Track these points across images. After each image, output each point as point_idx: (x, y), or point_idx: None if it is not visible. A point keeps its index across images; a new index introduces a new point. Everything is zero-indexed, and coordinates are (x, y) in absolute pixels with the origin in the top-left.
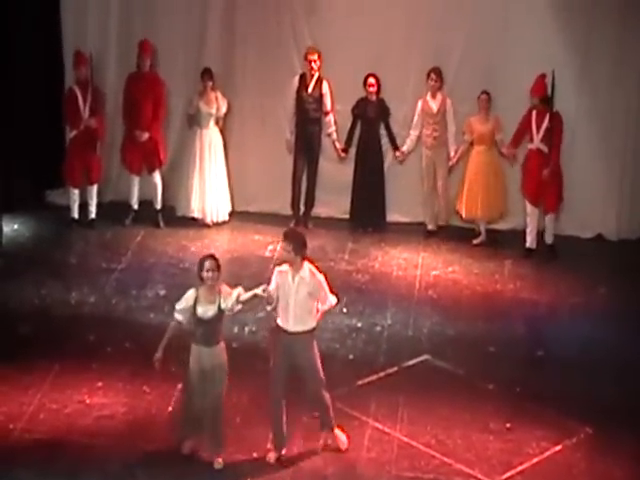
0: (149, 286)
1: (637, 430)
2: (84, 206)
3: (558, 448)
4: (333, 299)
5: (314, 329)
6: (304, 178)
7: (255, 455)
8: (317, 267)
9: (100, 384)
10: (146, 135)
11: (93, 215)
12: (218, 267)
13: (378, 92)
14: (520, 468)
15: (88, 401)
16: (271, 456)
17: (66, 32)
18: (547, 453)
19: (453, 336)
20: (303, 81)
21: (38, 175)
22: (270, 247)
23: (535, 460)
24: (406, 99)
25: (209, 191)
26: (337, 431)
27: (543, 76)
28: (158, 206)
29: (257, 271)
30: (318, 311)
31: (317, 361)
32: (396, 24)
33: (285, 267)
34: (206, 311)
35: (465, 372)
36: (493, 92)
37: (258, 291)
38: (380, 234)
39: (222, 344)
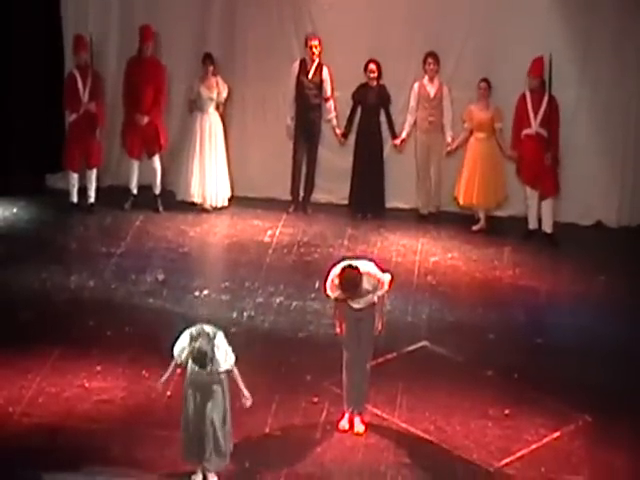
0: (148, 271)
1: (636, 418)
2: (83, 190)
3: (557, 435)
4: (387, 277)
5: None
6: (304, 164)
7: (253, 440)
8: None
9: (99, 368)
10: (146, 119)
11: (92, 200)
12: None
13: (379, 78)
14: (518, 454)
15: (87, 385)
16: (344, 423)
17: (66, 16)
18: (545, 440)
19: (452, 322)
20: (303, 67)
21: (37, 159)
22: (269, 232)
23: (533, 447)
24: (407, 86)
25: (209, 176)
26: (358, 418)
27: (541, 58)
28: (157, 191)
29: (256, 257)
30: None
31: (373, 337)
32: (397, 10)
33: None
34: (204, 345)
35: (464, 359)
36: (494, 80)
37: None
38: (379, 220)
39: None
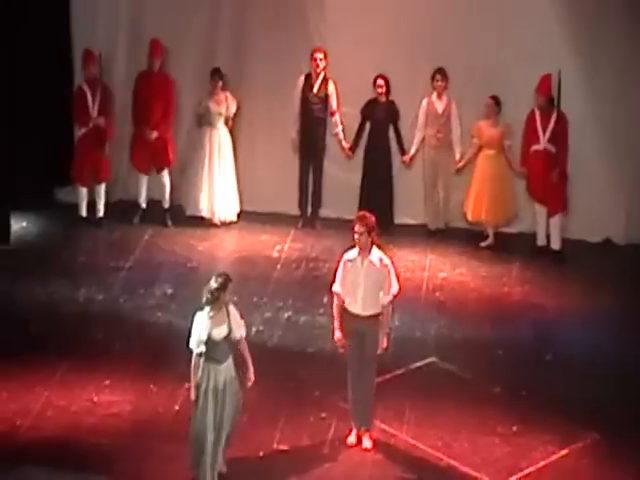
0: (157, 285)
1: None
2: (92, 204)
3: (564, 452)
4: (395, 288)
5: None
6: (310, 179)
7: (261, 454)
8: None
9: (107, 382)
10: (155, 134)
11: (101, 213)
12: None
13: (387, 93)
14: (526, 472)
15: (95, 399)
16: (352, 439)
17: (76, 30)
18: (553, 457)
19: (460, 339)
20: (309, 81)
21: (47, 173)
22: (277, 247)
23: (541, 464)
24: (415, 102)
25: (217, 190)
26: (367, 435)
27: (549, 75)
28: (166, 205)
29: (264, 271)
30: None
31: (377, 351)
32: (406, 27)
33: (353, 254)
34: (220, 332)
35: (472, 375)
36: (503, 97)
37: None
38: (388, 236)
39: (231, 358)
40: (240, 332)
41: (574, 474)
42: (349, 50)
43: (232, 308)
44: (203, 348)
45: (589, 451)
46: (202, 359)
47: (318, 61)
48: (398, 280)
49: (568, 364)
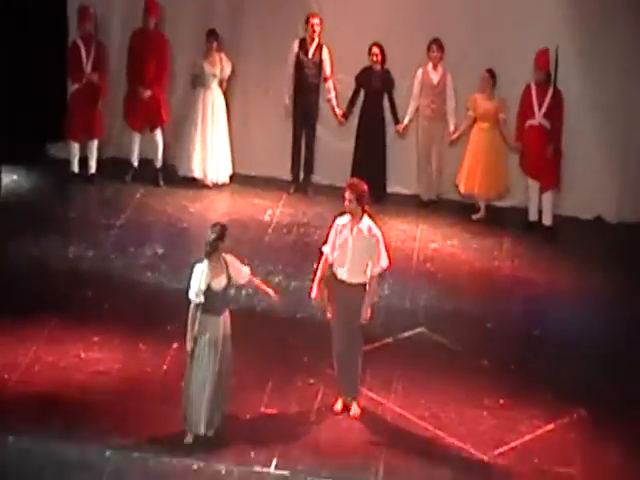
0: (147, 244)
1: (630, 413)
2: (84, 161)
3: (551, 427)
4: (385, 261)
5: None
6: (303, 144)
7: (248, 417)
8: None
9: (96, 339)
10: (148, 93)
11: (93, 170)
12: None
13: (383, 62)
14: (512, 445)
15: (83, 356)
16: (338, 406)
17: None
18: (539, 432)
19: (450, 310)
20: (303, 46)
21: (39, 128)
22: (269, 211)
23: (527, 438)
24: (410, 72)
25: (210, 152)
26: (355, 404)
27: (546, 50)
28: (158, 164)
29: (255, 235)
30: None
31: (361, 324)
32: None
33: (344, 220)
34: (219, 283)
35: (461, 347)
36: (498, 70)
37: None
38: (380, 205)
39: (227, 311)
40: (242, 277)
41: (560, 449)
42: (345, 17)
43: (229, 257)
44: (202, 299)
45: (575, 426)
46: (200, 311)
47: (315, 26)
48: (388, 254)
49: (557, 340)
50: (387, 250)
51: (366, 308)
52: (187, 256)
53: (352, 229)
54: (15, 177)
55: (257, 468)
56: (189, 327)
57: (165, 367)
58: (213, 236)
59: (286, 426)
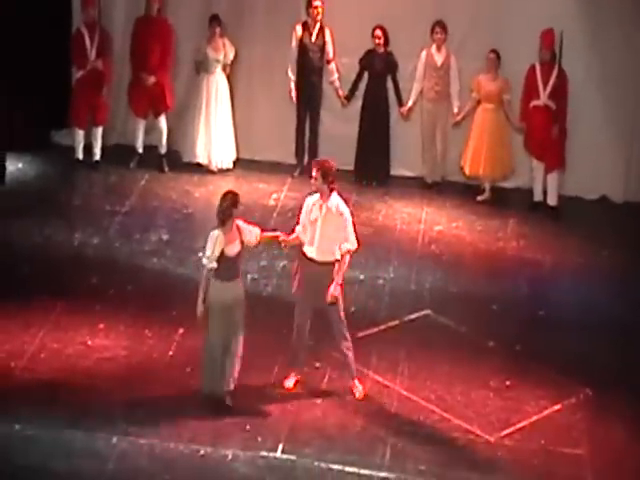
0: (152, 230)
1: (636, 393)
2: (89, 148)
3: (557, 407)
4: (353, 243)
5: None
6: (307, 128)
7: (254, 403)
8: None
9: (102, 326)
10: (152, 79)
11: (97, 157)
12: None
13: (386, 45)
14: (519, 426)
15: (89, 342)
16: (290, 381)
17: None
18: (546, 412)
19: (455, 292)
20: (306, 29)
21: (44, 115)
22: (274, 196)
23: (534, 418)
24: (414, 54)
25: (214, 137)
26: (356, 381)
27: (551, 29)
28: (163, 151)
29: (261, 219)
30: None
31: (339, 298)
32: None
33: (314, 198)
34: (233, 248)
35: (466, 329)
36: (502, 51)
37: (278, 233)
38: (384, 188)
39: (240, 277)
40: (255, 237)
41: (566, 429)
42: (350, 1)
43: (241, 222)
44: (214, 264)
45: (582, 406)
46: (212, 276)
47: (318, 9)
48: (357, 235)
49: (562, 320)
50: (355, 232)
51: (334, 287)
52: (192, 242)
53: (321, 208)
54: (20, 165)
55: (264, 453)
56: (200, 292)
57: (171, 353)
58: (226, 204)
59: (293, 410)
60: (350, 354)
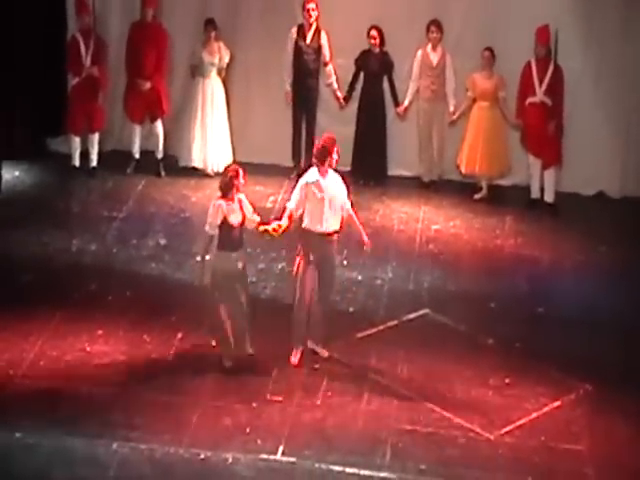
0: (150, 235)
1: (636, 388)
2: (85, 154)
3: (557, 404)
4: (349, 205)
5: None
6: (303, 130)
7: (254, 404)
8: None
9: (100, 332)
10: (148, 84)
11: (94, 163)
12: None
13: (381, 45)
14: (519, 423)
15: (88, 349)
16: (295, 358)
17: None
18: (546, 409)
19: (454, 291)
20: (301, 32)
21: (40, 122)
22: (271, 198)
23: (534, 415)
24: (410, 53)
25: (211, 141)
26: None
27: (546, 25)
28: (160, 155)
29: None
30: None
31: (336, 267)
32: None
33: (312, 178)
34: (235, 218)
35: (465, 327)
36: (498, 48)
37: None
38: (382, 187)
39: (243, 248)
40: (253, 219)
41: (566, 425)
42: (344, 1)
43: (243, 196)
44: (215, 231)
45: (581, 403)
46: (217, 247)
47: (311, 11)
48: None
49: (561, 316)
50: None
51: (365, 237)
52: (190, 246)
53: (322, 185)
54: (17, 173)
55: (264, 455)
56: (200, 258)
57: (170, 358)
58: (228, 175)
59: (292, 412)
60: (321, 318)
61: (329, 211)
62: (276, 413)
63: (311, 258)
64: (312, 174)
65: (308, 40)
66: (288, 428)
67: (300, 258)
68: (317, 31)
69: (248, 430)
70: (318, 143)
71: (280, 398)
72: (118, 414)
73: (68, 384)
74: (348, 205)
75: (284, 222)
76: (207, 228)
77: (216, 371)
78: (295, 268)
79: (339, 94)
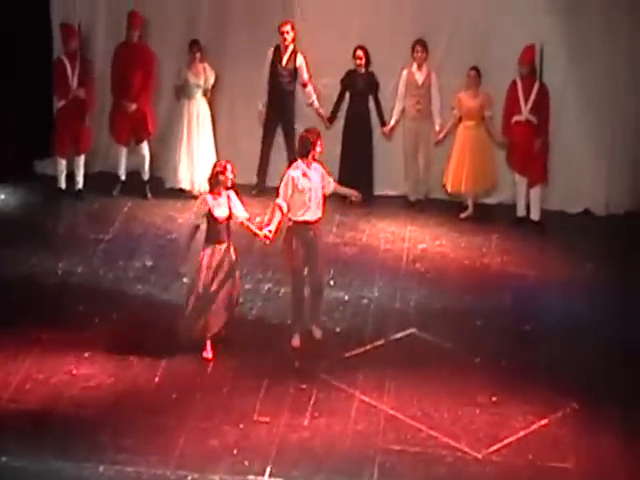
0: (136, 257)
1: (623, 405)
2: (71, 176)
3: (544, 422)
4: (332, 181)
5: None
6: (284, 150)
7: (241, 426)
8: None
9: (87, 354)
10: (134, 106)
11: (80, 185)
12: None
13: (367, 65)
14: (506, 441)
15: (75, 371)
16: (296, 341)
17: (54, 1)
18: (533, 427)
19: (440, 309)
20: (277, 54)
21: (26, 145)
22: (257, 219)
23: (521, 434)
24: (395, 72)
25: (197, 162)
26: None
27: (532, 45)
28: (146, 177)
29: (245, 243)
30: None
31: (319, 247)
32: None
33: (297, 172)
34: (222, 212)
35: (452, 345)
36: (483, 67)
37: (260, 234)
38: (368, 207)
39: (229, 242)
40: (241, 216)
41: (554, 444)
42: (329, 21)
43: (232, 193)
44: (199, 222)
45: (569, 421)
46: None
47: (285, 34)
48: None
49: (547, 334)
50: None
51: (352, 192)
52: (177, 267)
53: (307, 175)
54: (2, 196)
55: (251, 476)
56: (184, 246)
57: (157, 379)
58: (215, 171)
59: (279, 433)
60: (323, 299)
61: (313, 201)
62: (263, 434)
63: (298, 246)
64: (297, 167)
65: (284, 62)
66: (275, 449)
67: (287, 249)
68: (293, 53)
69: (235, 451)
70: (303, 135)
71: (267, 419)
72: (105, 436)
73: (54, 407)
74: (330, 179)
75: (273, 226)
76: (192, 218)
77: (203, 392)
78: (284, 256)
79: (322, 112)
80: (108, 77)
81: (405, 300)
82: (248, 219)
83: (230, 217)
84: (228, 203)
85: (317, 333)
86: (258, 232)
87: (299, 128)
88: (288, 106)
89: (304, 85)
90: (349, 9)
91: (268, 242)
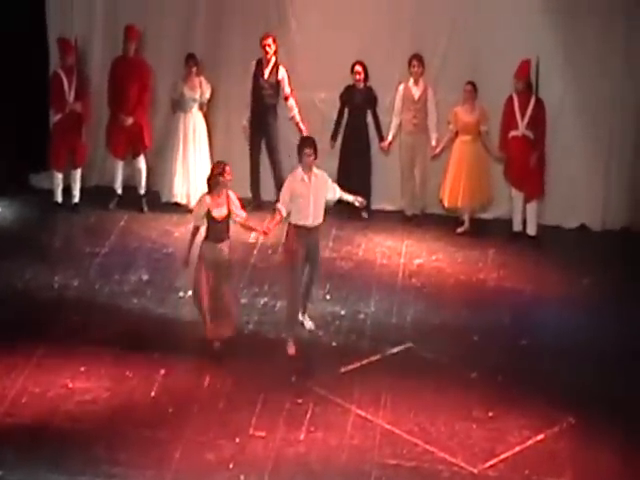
0: (132, 271)
1: (619, 420)
2: (68, 190)
3: (541, 437)
4: (336, 187)
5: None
6: (269, 164)
7: (237, 440)
8: None
9: (83, 369)
10: (130, 120)
11: (77, 199)
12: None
13: (365, 80)
14: (502, 456)
15: (71, 385)
16: (292, 348)
17: (51, 15)
18: (530, 442)
19: (436, 324)
20: (260, 67)
21: (22, 159)
22: (253, 233)
23: (517, 449)
24: (392, 87)
25: (193, 176)
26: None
27: (528, 60)
28: (142, 191)
29: (240, 257)
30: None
31: (319, 251)
32: (382, 12)
33: (297, 176)
34: (220, 212)
35: (448, 360)
36: (480, 82)
37: (259, 228)
38: (365, 222)
39: (227, 241)
40: (239, 215)
41: (550, 458)
42: (327, 35)
43: (232, 194)
44: (199, 223)
45: (565, 435)
46: (197, 235)
47: (267, 48)
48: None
49: (544, 349)
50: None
51: (355, 198)
52: (172, 281)
53: (310, 178)
54: None
55: None
56: (186, 248)
57: (153, 394)
58: (215, 172)
59: (275, 447)
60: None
61: (314, 206)
62: (259, 448)
63: (298, 251)
64: (297, 173)
65: (266, 75)
66: (272, 463)
67: (287, 251)
68: (275, 66)
69: (231, 465)
70: (313, 140)
71: (263, 433)
72: (101, 450)
73: (50, 421)
74: (335, 186)
75: (272, 225)
76: (192, 219)
77: (199, 406)
78: (283, 261)
79: (303, 127)
80: (105, 91)
81: (401, 315)
82: (246, 218)
83: (229, 216)
84: (227, 203)
85: (307, 324)
86: (257, 228)
87: (294, 141)
88: (270, 120)
89: (286, 98)
90: (345, 24)
91: (264, 236)
